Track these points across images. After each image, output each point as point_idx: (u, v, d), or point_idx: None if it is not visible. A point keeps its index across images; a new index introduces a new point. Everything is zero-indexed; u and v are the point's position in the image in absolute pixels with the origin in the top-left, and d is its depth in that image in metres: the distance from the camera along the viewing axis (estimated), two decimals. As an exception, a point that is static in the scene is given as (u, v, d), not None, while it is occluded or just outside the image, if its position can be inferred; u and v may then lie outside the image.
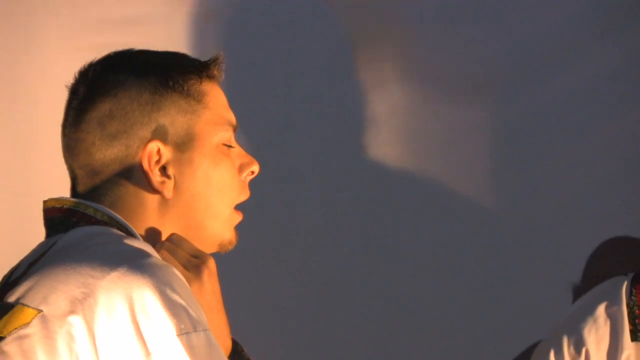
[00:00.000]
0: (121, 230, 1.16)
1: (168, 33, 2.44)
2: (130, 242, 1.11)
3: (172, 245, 1.19)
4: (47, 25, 2.46)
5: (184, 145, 1.22)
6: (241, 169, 1.28)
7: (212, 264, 1.21)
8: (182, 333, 1.05)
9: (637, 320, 1.93)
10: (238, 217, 1.27)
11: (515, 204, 2.56)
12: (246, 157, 1.29)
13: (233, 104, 1.31)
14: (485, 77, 2.68)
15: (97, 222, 1.17)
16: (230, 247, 1.28)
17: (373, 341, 2.67)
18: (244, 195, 1.28)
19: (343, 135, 2.62)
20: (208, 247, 1.25)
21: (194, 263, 1.19)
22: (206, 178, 1.24)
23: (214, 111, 1.25)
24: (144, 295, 1.05)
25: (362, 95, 2.56)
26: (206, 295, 1.20)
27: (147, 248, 1.12)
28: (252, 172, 1.28)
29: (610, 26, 2.80)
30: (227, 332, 1.24)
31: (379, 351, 2.65)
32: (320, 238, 2.59)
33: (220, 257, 1.32)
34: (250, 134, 2.42)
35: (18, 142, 2.18)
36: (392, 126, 2.62)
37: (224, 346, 1.21)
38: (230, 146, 1.25)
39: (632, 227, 2.45)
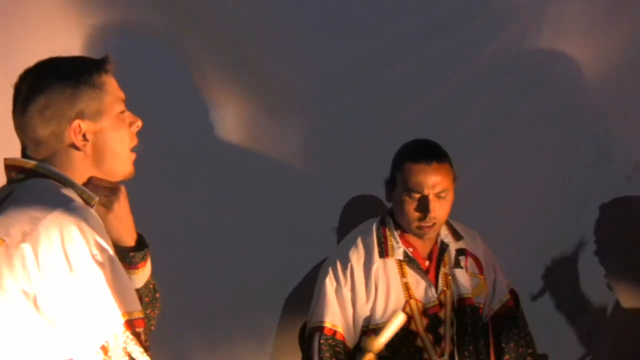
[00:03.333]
0: (58, 180, 1.85)
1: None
2: (62, 190, 1.80)
3: (93, 186, 1.89)
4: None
5: (95, 118, 1.90)
6: (130, 125, 1.98)
7: (121, 194, 1.94)
8: (93, 254, 1.71)
9: (383, 246, 3.02)
10: (133, 156, 1.98)
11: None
12: (133, 117, 2.00)
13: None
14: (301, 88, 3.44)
15: (40, 175, 1.85)
16: (131, 177, 1.99)
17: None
18: (134, 142, 1.99)
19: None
20: (117, 179, 1.96)
21: (110, 199, 1.92)
22: (111, 137, 1.94)
23: (111, 93, 1.95)
24: (70, 230, 1.70)
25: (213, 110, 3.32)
26: (119, 216, 1.94)
27: (73, 195, 1.81)
28: (138, 126, 1.99)
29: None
30: (133, 229, 1.98)
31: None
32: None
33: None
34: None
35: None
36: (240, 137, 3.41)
37: (132, 238, 1.97)
38: (123, 112, 1.96)
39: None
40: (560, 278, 3.76)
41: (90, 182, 1.93)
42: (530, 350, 3.19)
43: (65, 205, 1.75)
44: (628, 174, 3.84)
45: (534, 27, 3.70)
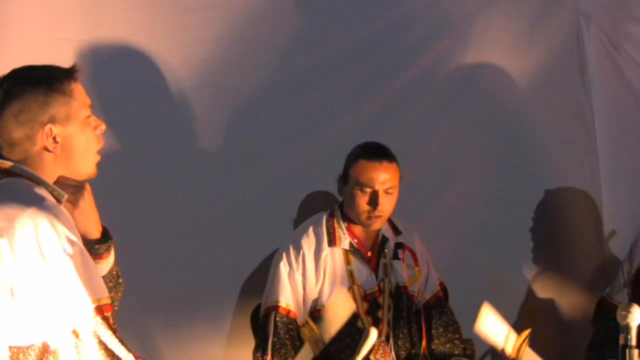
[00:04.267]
0: (31, 179, 1.97)
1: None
2: (35, 189, 1.93)
3: (61, 185, 2.01)
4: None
5: (65, 122, 2.01)
6: (95, 128, 2.09)
7: (86, 192, 2.08)
8: (64, 248, 1.86)
9: (331, 236, 3.18)
10: (97, 158, 2.11)
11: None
12: (97, 121, 2.11)
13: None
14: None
15: (15, 175, 1.97)
16: (94, 176, 2.11)
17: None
18: (100, 144, 2.11)
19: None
20: (81, 178, 2.08)
21: (76, 197, 2.05)
22: (78, 140, 2.05)
23: (79, 100, 2.06)
24: (44, 226, 1.84)
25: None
26: (85, 212, 2.07)
27: (45, 193, 1.94)
28: (102, 129, 2.11)
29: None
30: (98, 222, 2.14)
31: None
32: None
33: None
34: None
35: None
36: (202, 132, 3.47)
37: (98, 230, 2.13)
38: (89, 116, 2.08)
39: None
40: (485, 272, 3.88)
41: (58, 181, 2.04)
42: (457, 336, 3.35)
43: (39, 204, 1.87)
44: (548, 175, 4.04)
45: (463, 40, 3.87)
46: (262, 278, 3.26)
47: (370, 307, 3.20)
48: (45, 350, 1.89)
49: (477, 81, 3.95)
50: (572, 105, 4.13)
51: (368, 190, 3.15)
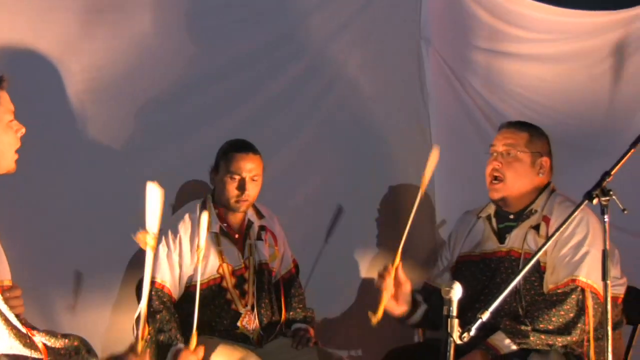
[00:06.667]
0: None
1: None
2: None
3: None
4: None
5: None
6: (17, 131, 2.24)
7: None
8: None
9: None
10: (16, 156, 2.26)
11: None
12: (18, 125, 2.26)
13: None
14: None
15: None
16: (13, 172, 2.25)
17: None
18: (18, 144, 2.26)
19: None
20: (2, 172, 2.22)
21: None
22: (1, 140, 2.20)
23: (4, 106, 2.22)
24: None
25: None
26: None
27: None
28: (22, 132, 2.27)
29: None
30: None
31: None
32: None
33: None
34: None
35: None
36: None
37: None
38: (12, 121, 2.23)
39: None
40: (335, 254, 4.14)
41: None
42: (301, 305, 3.61)
43: None
44: (391, 172, 4.34)
45: (323, 58, 4.16)
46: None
47: (237, 281, 3.39)
48: None
49: (333, 93, 4.22)
50: (412, 114, 4.44)
51: (237, 177, 3.35)
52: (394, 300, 3.25)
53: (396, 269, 3.20)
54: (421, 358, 3.22)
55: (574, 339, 3.06)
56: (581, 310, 3.05)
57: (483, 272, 3.31)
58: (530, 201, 3.28)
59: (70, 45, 3.52)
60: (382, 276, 3.21)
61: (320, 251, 4.08)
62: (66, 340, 2.19)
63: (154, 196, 2.36)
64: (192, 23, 3.82)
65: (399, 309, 3.30)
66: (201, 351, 3.00)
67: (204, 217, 2.89)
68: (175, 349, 3.16)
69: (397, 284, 3.23)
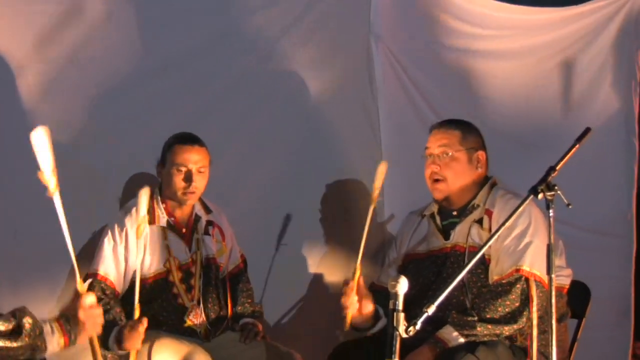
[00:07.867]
0: None
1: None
2: None
3: None
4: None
5: None
6: None
7: None
8: None
9: (151, 215, 3.24)
10: None
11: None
12: None
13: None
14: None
15: None
16: None
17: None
18: None
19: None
20: None
21: None
22: None
23: None
24: None
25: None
26: None
27: None
28: None
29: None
30: None
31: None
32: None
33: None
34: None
35: None
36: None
37: None
38: None
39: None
40: (285, 247, 4.14)
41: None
42: (249, 300, 3.65)
43: None
44: (339, 166, 4.37)
45: (273, 54, 4.17)
46: (92, 248, 3.41)
47: (184, 275, 3.40)
48: None
49: (284, 87, 4.24)
50: (361, 108, 4.48)
51: (183, 169, 3.36)
52: (358, 313, 3.24)
53: (357, 283, 3.19)
54: (369, 352, 3.23)
55: (520, 326, 3.12)
56: (526, 299, 3.12)
57: (430, 269, 3.35)
58: (472, 196, 3.35)
59: (18, 37, 3.52)
60: (345, 293, 3.19)
61: (265, 245, 4.11)
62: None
63: (40, 140, 2.45)
64: (140, 15, 3.81)
65: (365, 323, 3.31)
66: (145, 321, 3.02)
67: (144, 191, 2.96)
68: (120, 326, 3.16)
69: (360, 297, 3.22)
